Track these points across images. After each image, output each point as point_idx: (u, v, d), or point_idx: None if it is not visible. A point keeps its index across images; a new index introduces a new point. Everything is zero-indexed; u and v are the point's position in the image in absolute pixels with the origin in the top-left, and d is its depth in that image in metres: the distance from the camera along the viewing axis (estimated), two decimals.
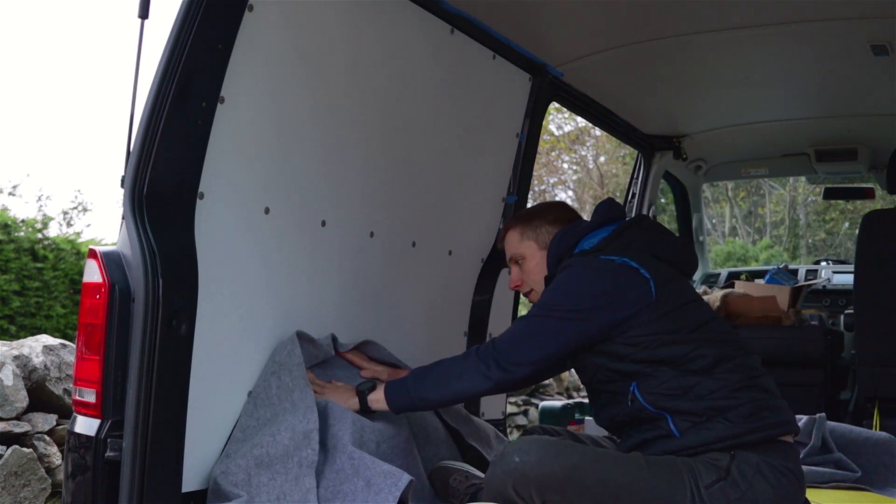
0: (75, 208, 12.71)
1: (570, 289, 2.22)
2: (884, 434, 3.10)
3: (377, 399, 2.30)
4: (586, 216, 2.52)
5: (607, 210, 2.46)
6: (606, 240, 2.32)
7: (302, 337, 2.37)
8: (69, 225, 12.48)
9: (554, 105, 4.67)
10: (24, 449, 4.21)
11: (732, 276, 5.16)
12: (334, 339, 2.50)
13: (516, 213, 2.62)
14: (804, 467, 2.29)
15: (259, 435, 2.16)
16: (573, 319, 2.18)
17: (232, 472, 2.08)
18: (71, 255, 7.19)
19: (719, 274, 5.32)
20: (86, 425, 1.99)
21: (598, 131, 13.92)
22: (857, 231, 4.44)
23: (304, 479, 2.10)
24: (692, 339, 2.17)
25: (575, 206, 15.12)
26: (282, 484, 2.09)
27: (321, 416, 2.24)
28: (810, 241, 18.13)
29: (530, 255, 2.46)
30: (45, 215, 9.93)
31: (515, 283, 2.51)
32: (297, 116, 2.36)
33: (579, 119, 12.85)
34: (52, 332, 6.43)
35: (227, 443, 2.17)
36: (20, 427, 4.25)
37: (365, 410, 2.31)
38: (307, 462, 2.13)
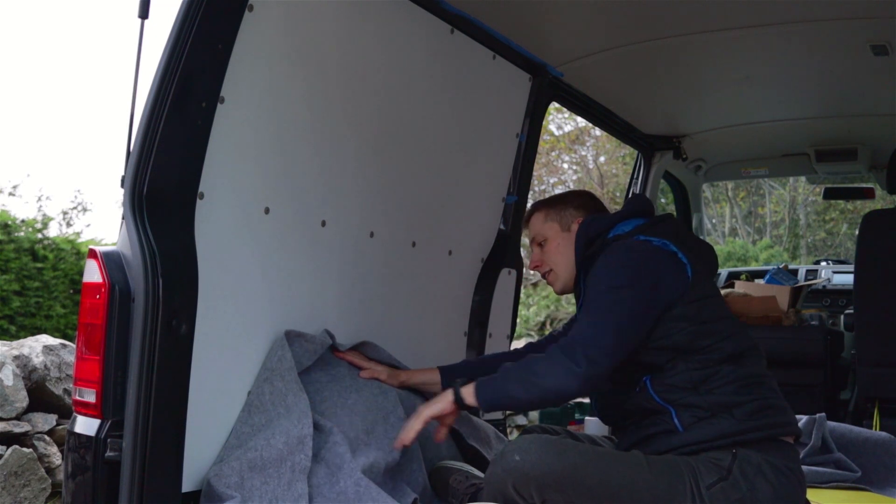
0: (75, 208, 12.69)
1: (621, 267, 2.19)
2: (884, 434, 3.11)
3: (469, 393, 2.22)
4: None
5: (640, 202, 2.46)
6: (642, 227, 2.32)
7: (292, 335, 2.36)
8: (69, 225, 12.48)
9: (554, 105, 4.66)
10: (24, 449, 4.20)
11: (732, 276, 5.17)
12: (330, 335, 2.50)
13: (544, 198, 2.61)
14: (804, 467, 2.29)
15: (253, 439, 2.16)
16: (637, 297, 2.14)
17: (225, 474, 2.07)
18: (71, 255, 7.19)
19: (719, 274, 5.32)
20: (86, 425, 1.99)
21: (598, 131, 13.90)
22: (856, 231, 4.44)
23: (296, 484, 2.10)
24: (715, 330, 2.17)
25: None
26: (274, 488, 2.09)
27: (324, 434, 2.24)
28: (810, 241, 18.12)
29: (552, 236, 2.46)
30: (45, 215, 9.93)
31: (535, 263, 2.51)
32: (298, 116, 2.36)
33: (579, 119, 12.85)
34: (52, 332, 6.43)
35: (222, 448, 2.17)
36: (20, 427, 4.25)
37: (460, 405, 2.24)
38: (300, 467, 2.12)
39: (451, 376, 2.62)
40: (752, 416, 2.10)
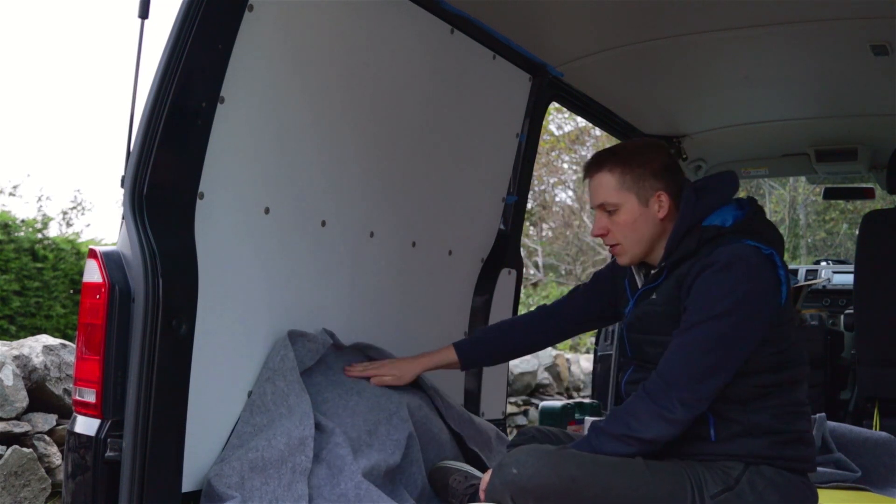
0: (74, 208, 12.68)
1: (730, 289, 2.01)
2: (884, 434, 3.10)
3: None
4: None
5: (732, 185, 2.22)
6: (742, 224, 2.12)
7: (294, 335, 2.36)
8: (69, 225, 12.47)
9: (554, 105, 4.66)
10: (24, 449, 4.20)
11: None
12: (330, 334, 2.50)
13: (609, 148, 2.29)
14: None
15: (255, 439, 2.16)
16: (742, 328, 2.01)
17: (226, 474, 2.08)
18: (71, 255, 7.19)
19: None
20: (86, 425, 1.99)
21: (598, 131, 13.88)
22: (856, 231, 4.44)
23: (296, 485, 2.10)
24: (789, 359, 2.10)
25: (575, 206, 15.10)
26: (274, 489, 2.09)
27: (326, 434, 2.24)
28: (810, 241, 18.12)
29: (628, 209, 2.17)
30: (45, 215, 9.93)
31: (601, 231, 2.22)
32: (297, 116, 2.36)
33: (579, 119, 12.83)
34: (52, 332, 6.42)
35: (223, 448, 2.17)
36: (20, 427, 4.25)
37: None
38: (300, 469, 2.12)
39: (469, 354, 2.54)
40: (784, 445, 2.07)
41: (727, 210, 2.15)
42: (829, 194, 5.63)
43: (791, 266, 5.30)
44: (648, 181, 2.17)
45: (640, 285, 2.27)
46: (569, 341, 11.82)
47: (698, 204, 2.15)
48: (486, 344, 2.62)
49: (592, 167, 2.24)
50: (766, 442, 2.06)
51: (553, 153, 15.37)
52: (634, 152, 2.23)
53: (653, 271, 2.22)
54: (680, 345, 2.04)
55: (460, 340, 2.62)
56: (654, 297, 2.18)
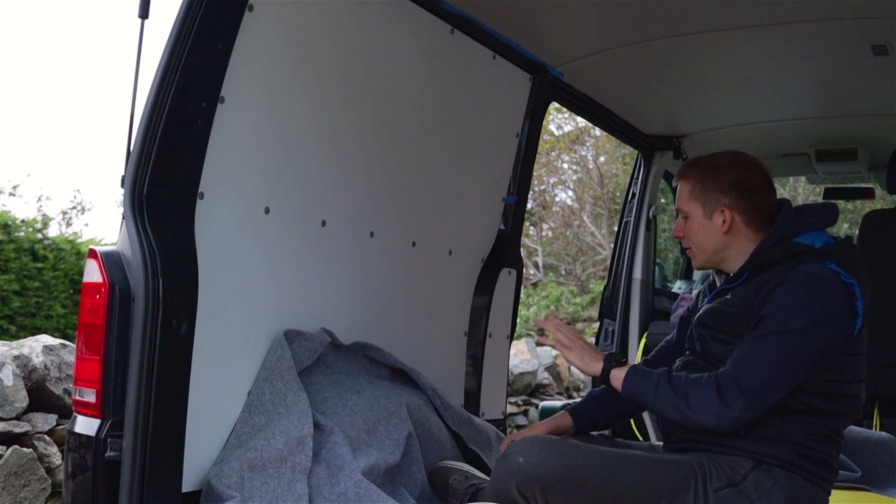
0: (74, 208, 12.69)
1: (805, 307, 2.07)
2: (884, 434, 3.10)
3: (617, 377, 2.16)
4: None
5: (832, 215, 2.27)
6: (833, 249, 2.18)
7: (291, 335, 2.36)
8: (68, 225, 12.48)
9: (554, 105, 4.66)
10: (24, 449, 4.21)
11: None
12: (329, 333, 2.50)
13: (699, 157, 2.37)
14: None
15: (254, 439, 2.16)
16: (809, 346, 2.05)
17: (225, 474, 2.08)
18: (71, 255, 7.20)
19: None
20: (86, 425, 1.99)
21: (598, 131, 13.88)
22: (856, 231, 4.44)
23: (296, 484, 2.11)
24: (846, 392, 2.11)
25: (575, 206, 15.10)
26: (274, 489, 2.09)
27: (325, 433, 2.24)
28: None
29: (694, 217, 2.28)
30: (45, 215, 9.93)
31: (678, 234, 2.34)
32: (297, 116, 2.36)
33: (579, 119, 12.83)
34: (52, 332, 6.43)
35: (222, 449, 2.17)
36: (20, 427, 4.25)
37: (603, 380, 2.20)
38: (300, 468, 2.13)
39: (582, 420, 2.45)
40: (804, 458, 2.07)
41: (820, 234, 2.21)
42: (829, 194, 5.63)
43: None
44: (714, 195, 2.25)
45: (718, 286, 2.31)
46: None
47: (795, 220, 2.21)
48: (596, 414, 2.49)
49: (677, 175, 2.37)
50: (787, 449, 2.06)
51: (553, 153, 15.37)
52: (711, 166, 2.31)
53: (733, 273, 2.26)
54: (755, 350, 2.07)
55: (574, 407, 2.49)
56: (728, 296, 2.22)
